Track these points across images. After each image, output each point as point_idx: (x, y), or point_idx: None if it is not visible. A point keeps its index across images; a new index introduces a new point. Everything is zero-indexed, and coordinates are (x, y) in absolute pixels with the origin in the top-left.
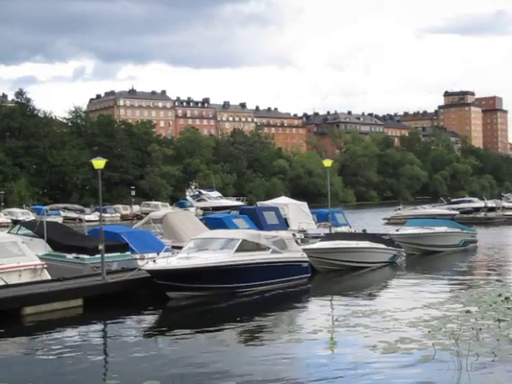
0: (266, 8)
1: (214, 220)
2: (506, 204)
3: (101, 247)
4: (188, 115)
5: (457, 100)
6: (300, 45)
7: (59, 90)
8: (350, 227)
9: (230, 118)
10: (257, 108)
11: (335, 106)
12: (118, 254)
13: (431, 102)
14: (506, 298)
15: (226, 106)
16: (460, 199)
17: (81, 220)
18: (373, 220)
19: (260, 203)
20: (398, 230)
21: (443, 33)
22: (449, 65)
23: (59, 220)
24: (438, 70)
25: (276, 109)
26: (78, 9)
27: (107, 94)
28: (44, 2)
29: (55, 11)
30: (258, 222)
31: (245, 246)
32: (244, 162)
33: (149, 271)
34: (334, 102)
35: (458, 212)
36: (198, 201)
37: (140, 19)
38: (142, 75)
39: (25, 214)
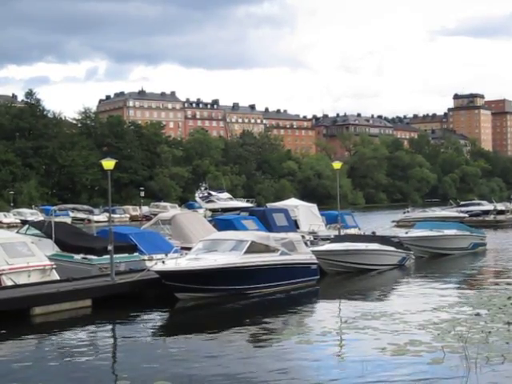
0: (279, 10)
1: (223, 221)
2: None
3: (110, 248)
4: (197, 116)
5: (466, 103)
6: (312, 47)
7: (72, 90)
8: (359, 229)
9: (240, 120)
10: (266, 110)
11: (347, 108)
12: (126, 254)
13: (441, 104)
14: None
15: (235, 107)
16: (469, 202)
17: (89, 221)
18: (382, 222)
19: (269, 205)
20: (407, 233)
21: (456, 35)
22: (461, 67)
23: (68, 221)
24: (449, 73)
25: (285, 111)
26: (90, 9)
27: (117, 94)
28: (56, 2)
29: (68, 11)
30: (267, 224)
31: (254, 248)
32: (253, 163)
33: (158, 272)
34: (345, 105)
35: (467, 215)
36: (207, 202)
37: (153, 20)
38: (154, 76)
39: (34, 215)
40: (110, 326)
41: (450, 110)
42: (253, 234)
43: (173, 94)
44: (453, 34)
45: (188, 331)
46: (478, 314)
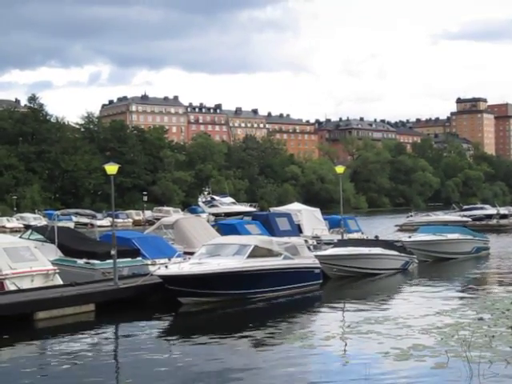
0: (281, 14)
1: (226, 226)
2: None
3: (113, 252)
4: (200, 121)
5: (469, 107)
6: (315, 50)
7: (75, 95)
8: (362, 233)
9: (242, 124)
10: (269, 114)
11: (350, 112)
12: (129, 259)
13: (444, 108)
14: None
15: (238, 112)
16: (472, 206)
17: (92, 225)
18: (385, 226)
19: (273, 209)
20: (410, 237)
21: (458, 39)
22: (463, 71)
23: (71, 225)
24: (452, 77)
25: (288, 115)
26: (93, 14)
27: (120, 99)
28: (59, 7)
29: (71, 16)
30: (270, 228)
31: (257, 252)
32: (256, 168)
33: (161, 277)
34: (348, 109)
35: (470, 219)
36: (210, 207)
37: (155, 24)
38: (157, 81)
39: (37, 219)
40: (113, 331)
41: (452, 113)
42: (256, 238)
43: (175, 98)
44: (455, 38)
45: (191, 336)
46: (481, 319)
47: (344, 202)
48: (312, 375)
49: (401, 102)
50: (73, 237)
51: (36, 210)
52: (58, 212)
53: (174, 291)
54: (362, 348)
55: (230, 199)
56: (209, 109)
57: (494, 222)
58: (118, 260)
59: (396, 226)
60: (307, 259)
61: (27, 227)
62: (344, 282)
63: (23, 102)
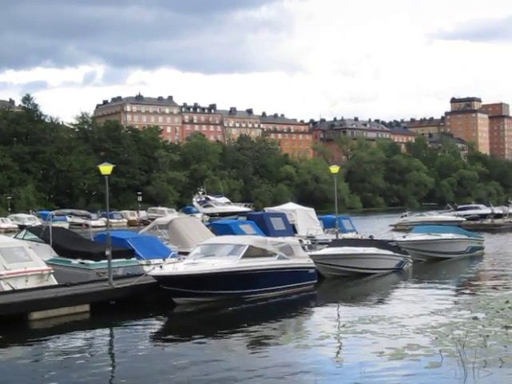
0: (276, 14)
1: (221, 226)
2: None
3: (108, 253)
4: (195, 121)
5: (463, 106)
6: (309, 50)
7: (69, 95)
8: (357, 233)
9: (237, 124)
10: (263, 114)
11: (344, 112)
12: (124, 259)
13: (439, 108)
14: None
15: (232, 111)
16: (467, 206)
17: (87, 225)
18: (379, 226)
19: (267, 209)
20: (404, 237)
21: (453, 38)
22: (458, 71)
23: (66, 225)
24: (447, 76)
25: (283, 115)
26: (88, 14)
27: (114, 99)
28: (54, 7)
29: (65, 16)
30: (265, 228)
31: (251, 252)
32: (250, 167)
33: (155, 277)
34: (343, 108)
35: (464, 218)
36: (205, 207)
37: (150, 24)
38: (152, 80)
39: (31, 220)
40: (108, 331)
41: (447, 113)
42: (250, 238)
43: (170, 98)
44: (450, 38)
45: (186, 336)
46: (475, 318)
47: (338, 202)
48: (307, 375)
49: (395, 102)
50: (67, 237)
51: (30, 211)
52: (52, 212)
53: (168, 291)
54: (356, 348)
55: (224, 199)
56: (203, 109)
57: (488, 221)
58: (112, 260)
59: (390, 225)
60: (302, 259)
61: (22, 227)
62: (339, 282)
63: (17, 102)
